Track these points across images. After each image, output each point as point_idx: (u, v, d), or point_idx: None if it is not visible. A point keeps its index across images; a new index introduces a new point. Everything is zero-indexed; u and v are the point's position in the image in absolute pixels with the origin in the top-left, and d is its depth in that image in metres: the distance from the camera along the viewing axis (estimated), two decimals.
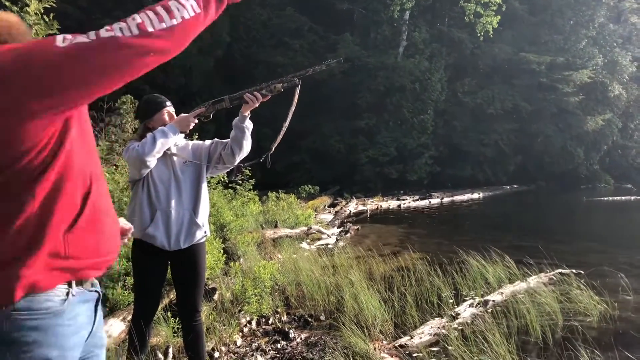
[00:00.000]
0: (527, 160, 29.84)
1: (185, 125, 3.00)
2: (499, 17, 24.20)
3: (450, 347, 4.05)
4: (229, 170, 3.31)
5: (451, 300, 5.49)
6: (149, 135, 2.92)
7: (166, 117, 3.10)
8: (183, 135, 3.09)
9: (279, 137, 3.10)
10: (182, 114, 3.06)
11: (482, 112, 28.00)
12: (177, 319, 3.72)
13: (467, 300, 5.46)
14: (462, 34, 28.36)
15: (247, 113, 3.02)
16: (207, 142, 3.27)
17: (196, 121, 3.05)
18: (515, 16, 29.34)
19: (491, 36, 25.13)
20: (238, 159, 3.13)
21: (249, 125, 3.05)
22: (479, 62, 30.11)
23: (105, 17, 23.50)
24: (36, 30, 5.93)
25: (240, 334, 4.49)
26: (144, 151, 2.86)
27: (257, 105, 2.97)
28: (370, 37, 28.50)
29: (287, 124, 3.08)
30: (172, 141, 2.98)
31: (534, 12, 30.89)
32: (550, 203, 22.12)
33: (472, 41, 28.09)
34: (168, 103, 3.16)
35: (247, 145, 3.08)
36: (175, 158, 3.10)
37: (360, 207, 16.78)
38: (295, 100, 3.01)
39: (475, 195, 23.38)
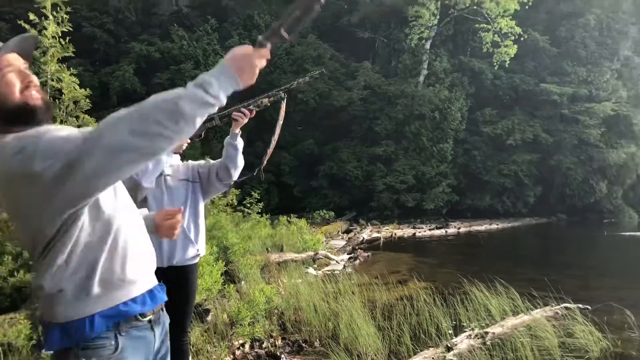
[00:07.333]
0: (547, 192, 29.36)
1: (178, 145, 3.11)
2: (516, 47, 24.24)
3: None
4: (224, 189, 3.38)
5: (450, 331, 5.43)
6: None
7: None
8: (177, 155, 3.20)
9: (269, 151, 3.24)
10: None
11: (502, 142, 27.85)
12: None
13: (465, 331, 5.38)
14: (482, 64, 28.43)
15: (238, 131, 3.12)
16: (199, 162, 3.36)
17: (189, 141, 3.15)
18: (537, 47, 29.31)
19: (507, 66, 25.13)
20: (234, 176, 3.21)
21: (240, 142, 3.16)
22: (500, 92, 30.05)
23: (131, 40, 24.23)
24: (52, 52, 6.14)
25: (232, 356, 4.50)
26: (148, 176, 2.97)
27: (245, 121, 3.07)
28: (391, 65, 28.76)
29: (276, 137, 3.22)
30: (166, 161, 3.10)
31: (556, 43, 30.77)
32: (570, 236, 21.68)
33: (493, 71, 28.12)
34: None
35: (240, 161, 3.18)
36: (168, 178, 3.18)
37: (375, 235, 16.72)
38: (282, 113, 3.14)
39: (494, 226, 23.10)
